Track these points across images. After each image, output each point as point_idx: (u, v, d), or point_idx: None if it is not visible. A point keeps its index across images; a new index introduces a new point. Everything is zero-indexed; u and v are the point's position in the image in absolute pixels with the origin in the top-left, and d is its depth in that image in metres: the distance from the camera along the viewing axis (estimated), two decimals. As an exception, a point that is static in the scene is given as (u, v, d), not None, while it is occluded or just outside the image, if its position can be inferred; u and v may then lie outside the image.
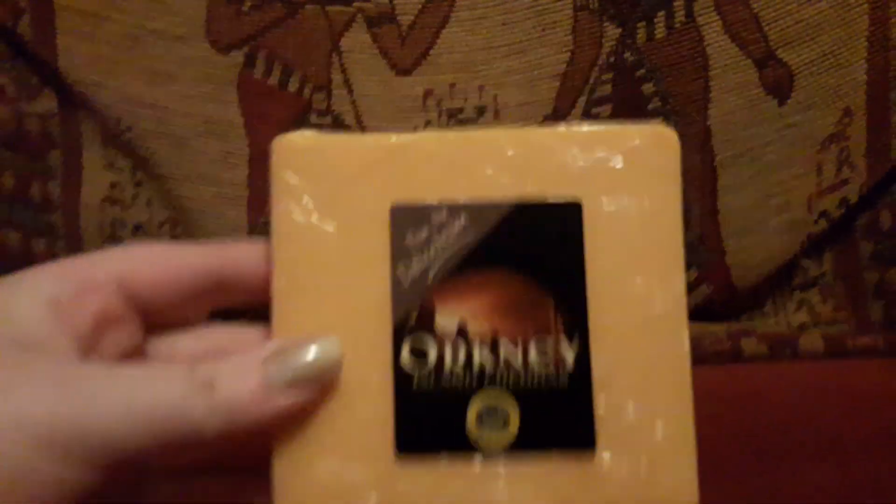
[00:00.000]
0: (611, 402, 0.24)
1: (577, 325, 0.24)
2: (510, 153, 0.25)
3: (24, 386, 0.21)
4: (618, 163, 0.25)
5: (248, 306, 0.26)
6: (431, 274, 0.24)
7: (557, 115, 0.41)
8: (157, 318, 0.26)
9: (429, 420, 0.24)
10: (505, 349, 0.24)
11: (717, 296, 0.43)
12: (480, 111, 0.41)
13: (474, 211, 0.25)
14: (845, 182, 0.41)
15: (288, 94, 0.41)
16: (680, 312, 0.24)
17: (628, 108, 0.40)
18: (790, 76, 0.40)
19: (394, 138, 0.25)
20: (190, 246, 0.26)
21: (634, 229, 0.25)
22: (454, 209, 0.25)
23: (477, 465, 0.24)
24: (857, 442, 0.27)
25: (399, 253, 0.25)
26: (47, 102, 0.42)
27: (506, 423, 0.24)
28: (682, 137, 0.25)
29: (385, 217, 0.25)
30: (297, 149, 0.25)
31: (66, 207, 0.43)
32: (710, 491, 0.23)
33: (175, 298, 0.26)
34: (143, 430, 0.22)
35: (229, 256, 0.26)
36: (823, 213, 0.42)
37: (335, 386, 0.24)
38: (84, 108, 0.42)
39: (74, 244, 0.43)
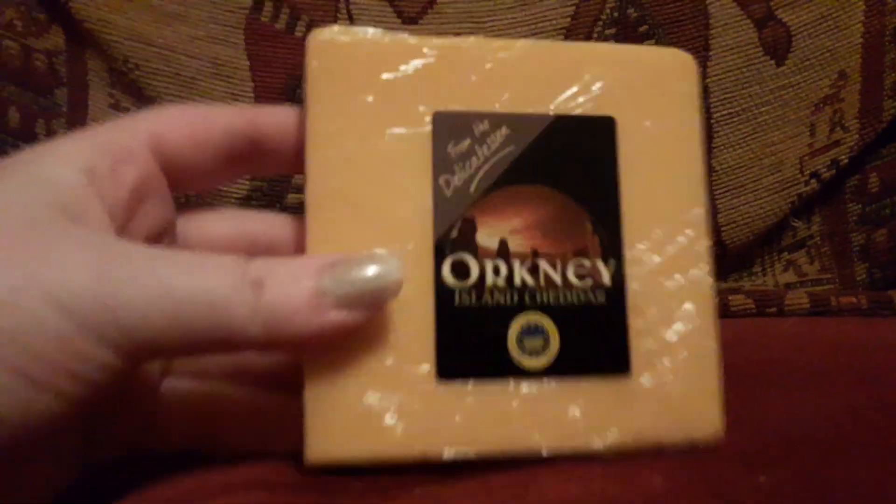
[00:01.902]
0: (645, 324, 0.24)
1: (612, 245, 0.24)
2: (547, 64, 0.25)
3: (64, 256, 0.20)
4: (642, 82, 0.25)
5: (282, 176, 0.25)
6: (473, 186, 0.24)
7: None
8: (190, 183, 0.25)
9: (470, 340, 0.23)
10: (544, 268, 0.24)
11: (707, 254, 0.44)
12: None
13: (515, 122, 0.24)
14: (837, 143, 0.42)
15: (294, 39, 0.41)
16: (701, 234, 0.24)
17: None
18: (788, 37, 0.41)
19: (438, 41, 0.24)
20: (224, 106, 0.25)
21: (658, 148, 0.25)
22: (496, 119, 0.24)
23: (517, 385, 0.23)
24: (836, 377, 0.28)
25: (440, 163, 0.24)
26: (55, 39, 0.42)
27: (546, 343, 0.23)
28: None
29: (427, 124, 0.24)
30: (335, 46, 0.24)
31: (70, 145, 0.43)
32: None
33: (209, 159, 0.24)
34: (180, 322, 0.20)
35: (265, 119, 0.25)
36: (814, 174, 0.43)
37: (388, 309, 0.23)
38: (91, 45, 0.42)
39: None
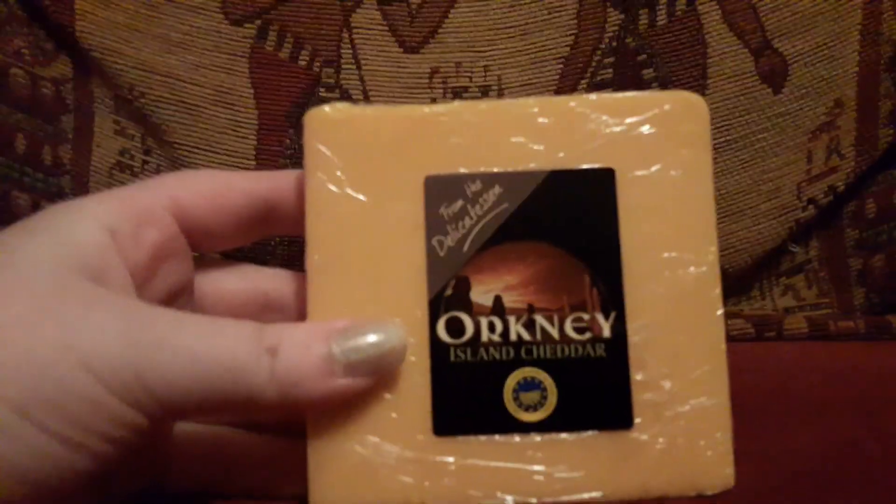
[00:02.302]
0: (648, 376, 0.24)
1: (613, 297, 0.24)
2: (541, 121, 0.25)
3: (95, 323, 0.21)
4: (647, 129, 0.25)
5: (297, 237, 0.26)
6: (466, 245, 0.24)
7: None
8: (209, 244, 0.26)
9: (466, 396, 0.24)
10: (541, 323, 0.24)
11: (706, 278, 0.44)
12: (485, 91, 0.42)
13: (508, 180, 0.24)
14: (834, 170, 0.43)
15: (298, 68, 0.42)
16: (714, 281, 0.24)
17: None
18: (785, 66, 0.42)
19: (426, 109, 0.25)
20: (241, 172, 0.26)
21: (666, 197, 0.24)
22: (488, 179, 0.24)
23: (514, 440, 0.24)
24: (835, 407, 0.28)
25: (433, 225, 0.24)
26: (62, 67, 0.43)
27: (543, 397, 0.24)
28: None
29: (419, 188, 0.25)
30: (329, 121, 0.25)
31: (76, 172, 0.43)
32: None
33: (227, 223, 0.26)
34: (203, 386, 0.21)
35: (281, 184, 0.26)
36: (811, 200, 0.43)
37: (394, 374, 0.24)
38: (97, 73, 0.42)
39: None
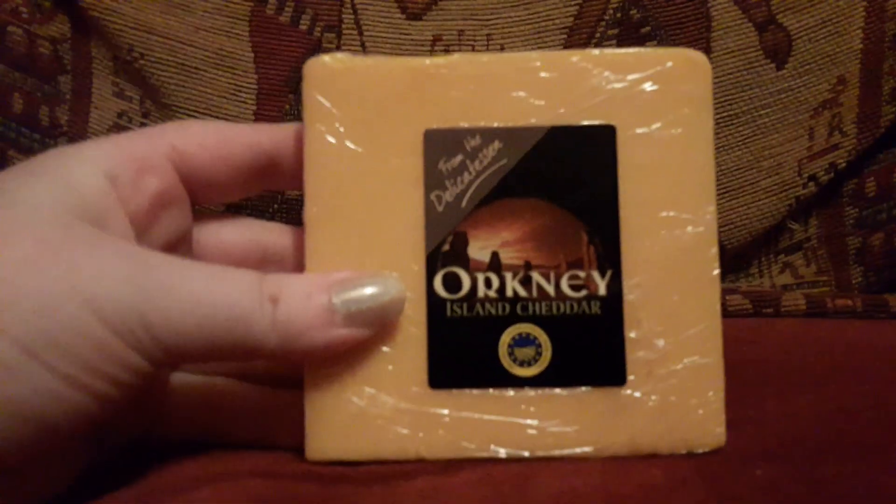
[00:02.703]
0: (642, 333, 0.24)
1: (609, 256, 0.24)
2: (544, 75, 0.24)
3: (99, 264, 0.21)
4: (649, 87, 0.24)
5: (296, 195, 0.26)
6: (465, 201, 0.24)
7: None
8: (208, 195, 0.26)
9: (461, 350, 0.24)
10: (538, 280, 0.24)
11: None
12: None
13: (508, 135, 0.24)
14: (835, 147, 0.43)
15: (299, 32, 0.41)
16: (711, 241, 0.24)
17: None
18: (789, 41, 0.41)
19: (427, 61, 0.25)
20: (242, 124, 0.26)
21: (666, 155, 0.24)
22: (488, 134, 0.24)
23: (508, 395, 0.24)
24: (831, 378, 0.28)
25: (432, 179, 0.24)
26: (60, 26, 0.42)
27: (538, 353, 0.24)
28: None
29: (418, 142, 0.24)
30: (329, 72, 0.25)
31: (73, 133, 0.43)
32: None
33: (228, 175, 0.26)
34: (205, 332, 0.22)
35: (281, 136, 0.26)
36: (812, 178, 0.43)
37: (392, 326, 0.24)
38: (96, 33, 0.42)
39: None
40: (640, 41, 0.41)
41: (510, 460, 0.24)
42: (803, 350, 0.33)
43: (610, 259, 0.24)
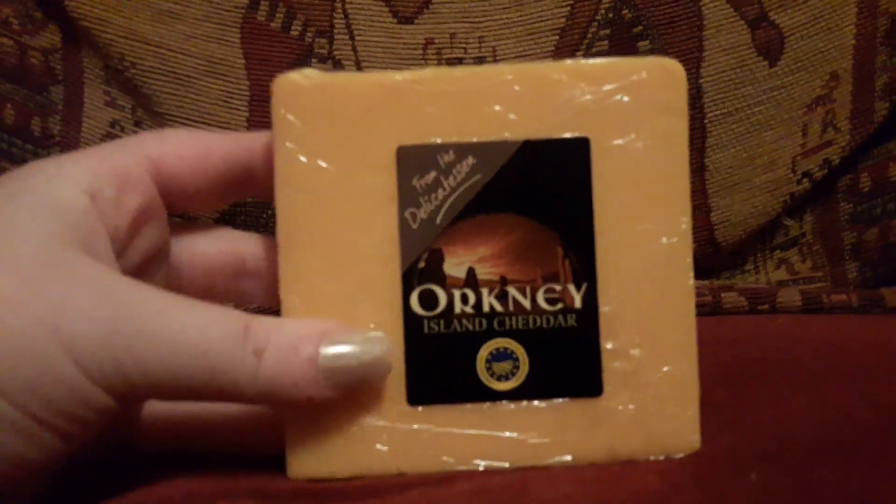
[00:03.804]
0: (618, 345, 0.24)
1: (584, 269, 0.24)
2: (517, 89, 0.24)
3: (80, 304, 0.21)
4: (623, 98, 0.24)
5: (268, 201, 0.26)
6: (440, 217, 0.24)
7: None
8: (185, 206, 0.26)
9: (439, 366, 0.24)
10: (514, 294, 0.24)
11: (700, 253, 0.44)
12: (480, 62, 0.41)
13: (482, 150, 0.24)
14: (829, 144, 0.43)
15: (290, 38, 0.41)
16: (685, 252, 0.24)
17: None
18: (781, 38, 0.41)
19: (398, 76, 0.24)
20: (219, 132, 0.26)
21: (640, 167, 0.24)
22: (461, 149, 0.24)
23: (487, 409, 0.24)
24: (828, 377, 0.28)
25: (406, 196, 0.24)
26: (51, 37, 0.42)
27: (515, 366, 0.24)
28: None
29: (391, 159, 0.24)
30: (298, 89, 0.24)
31: (65, 143, 0.43)
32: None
33: (205, 185, 0.25)
34: (181, 380, 0.21)
35: (256, 146, 0.25)
36: (806, 174, 0.43)
37: (378, 387, 0.24)
38: (87, 43, 0.42)
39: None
40: (632, 41, 0.41)
41: (505, 470, 0.24)
42: (799, 348, 0.33)
43: (585, 272, 0.24)
